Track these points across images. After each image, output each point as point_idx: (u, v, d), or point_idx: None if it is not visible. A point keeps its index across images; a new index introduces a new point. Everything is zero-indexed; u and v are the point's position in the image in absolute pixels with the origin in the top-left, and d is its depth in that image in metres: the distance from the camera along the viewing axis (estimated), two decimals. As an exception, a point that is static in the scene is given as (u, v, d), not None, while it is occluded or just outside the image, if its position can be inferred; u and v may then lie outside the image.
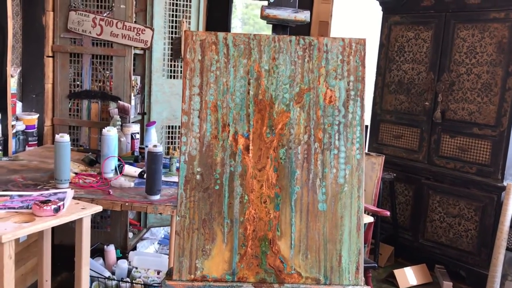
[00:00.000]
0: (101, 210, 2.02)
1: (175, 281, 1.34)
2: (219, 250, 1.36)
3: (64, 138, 2.25)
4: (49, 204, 1.84)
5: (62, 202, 1.89)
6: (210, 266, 1.36)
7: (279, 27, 1.47)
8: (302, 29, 4.47)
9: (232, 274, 1.36)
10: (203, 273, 1.36)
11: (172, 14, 3.60)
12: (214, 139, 1.38)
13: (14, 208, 1.88)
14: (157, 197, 2.22)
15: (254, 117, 1.40)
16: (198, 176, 1.38)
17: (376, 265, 2.81)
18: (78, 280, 1.99)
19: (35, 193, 2.06)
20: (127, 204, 2.15)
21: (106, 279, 2.80)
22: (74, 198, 2.08)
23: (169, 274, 1.36)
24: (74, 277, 2.03)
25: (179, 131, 3.74)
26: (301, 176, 1.39)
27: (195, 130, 1.38)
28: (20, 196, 2.02)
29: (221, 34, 1.40)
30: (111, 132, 2.50)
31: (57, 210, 1.84)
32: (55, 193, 2.06)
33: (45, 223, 1.78)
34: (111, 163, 2.50)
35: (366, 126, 4.37)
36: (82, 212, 1.92)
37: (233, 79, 1.39)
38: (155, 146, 2.20)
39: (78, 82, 3.27)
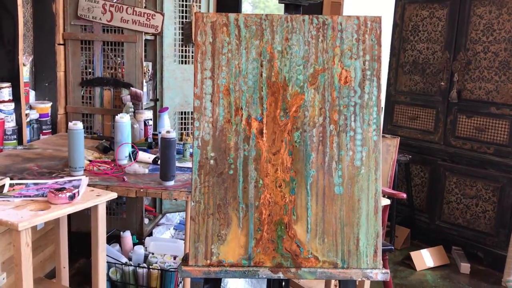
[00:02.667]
0: (116, 197, 2.03)
1: (191, 267, 1.33)
2: (235, 235, 1.35)
3: (77, 125, 2.25)
4: (64, 191, 1.84)
5: (77, 190, 1.89)
6: (226, 251, 1.35)
7: (292, 6, 1.44)
8: (313, 9, 4.40)
9: (248, 259, 1.35)
10: (219, 258, 1.35)
11: (182, -1, 3.56)
12: (227, 123, 1.36)
13: (29, 196, 1.89)
14: (171, 183, 2.21)
15: (268, 100, 1.37)
16: (212, 161, 1.36)
17: (392, 247, 2.79)
18: (95, 266, 2.00)
19: (50, 181, 2.06)
20: (142, 190, 2.14)
21: (123, 265, 2.82)
22: (89, 185, 2.08)
23: (185, 260, 1.35)
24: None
25: (191, 117, 3.73)
26: (316, 159, 1.36)
27: (208, 114, 1.36)
28: (35, 184, 2.03)
29: (232, 15, 1.37)
30: (124, 119, 2.49)
31: (72, 197, 1.85)
32: (70, 181, 2.06)
33: (61, 210, 1.78)
34: (125, 150, 2.50)
35: (380, 108, 4.31)
36: (97, 199, 1.93)
37: (245, 61, 1.37)
38: (168, 132, 2.19)
39: (90, 70, 3.27)
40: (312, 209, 1.36)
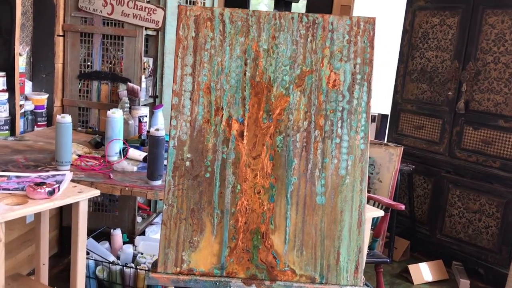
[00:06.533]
0: (99, 194, 1.96)
1: (159, 274, 1.25)
2: (208, 243, 1.27)
3: (66, 118, 2.18)
4: (44, 186, 1.78)
5: (57, 185, 1.83)
6: (198, 259, 1.27)
7: (281, 2, 1.36)
8: (323, 12, 4.31)
9: (221, 268, 1.27)
10: (189, 266, 1.27)
11: (187, -5, 3.50)
12: (206, 124, 1.29)
13: (9, 189, 1.82)
14: (158, 182, 2.14)
15: (250, 100, 1.29)
16: (187, 163, 1.28)
17: (388, 260, 2.69)
18: (74, 265, 1.93)
19: (33, 175, 2.00)
20: (126, 188, 2.07)
21: (110, 264, 2.76)
22: (73, 181, 2.01)
23: (154, 266, 1.28)
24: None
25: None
26: (298, 166, 1.28)
27: (186, 113, 1.29)
28: (17, 177, 1.97)
29: (217, 10, 1.29)
30: (115, 114, 2.42)
31: (51, 193, 1.78)
32: (54, 175, 1.99)
33: (38, 206, 1.72)
34: (116, 146, 2.43)
35: (386, 116, 4.21)
36: (78, 196, 1.86)
37: (228, 58, 1.29)
38: (157, 129, 2.12)
39: (88, 63, 3.21)
40: (291, 218, 1.28)
